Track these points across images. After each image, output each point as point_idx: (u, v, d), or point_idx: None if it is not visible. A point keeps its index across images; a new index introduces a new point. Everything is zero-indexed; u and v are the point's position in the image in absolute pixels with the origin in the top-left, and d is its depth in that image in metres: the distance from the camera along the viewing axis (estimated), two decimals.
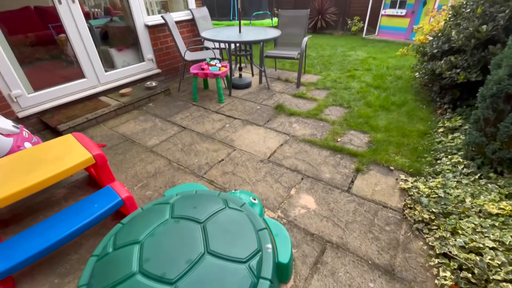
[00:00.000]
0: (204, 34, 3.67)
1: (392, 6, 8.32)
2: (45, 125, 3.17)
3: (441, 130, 2.70)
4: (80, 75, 3.41)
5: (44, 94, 3.13)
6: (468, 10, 2.45)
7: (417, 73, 2.94)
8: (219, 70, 3.53)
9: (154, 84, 3.82)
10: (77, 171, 1.71)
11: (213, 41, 3.41)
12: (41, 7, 4.93)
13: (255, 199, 1.71)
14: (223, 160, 2.46)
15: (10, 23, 4.99)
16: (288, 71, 4.92)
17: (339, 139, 2.70)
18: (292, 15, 4.42)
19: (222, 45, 4.46)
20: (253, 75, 4.75)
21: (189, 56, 3.94)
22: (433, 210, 1.69)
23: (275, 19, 8.22)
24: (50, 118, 3.12)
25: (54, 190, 2.20)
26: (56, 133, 3.02)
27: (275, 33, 3.66)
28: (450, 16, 2.89)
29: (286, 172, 2.27)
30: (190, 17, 4.46)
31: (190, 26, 4.60)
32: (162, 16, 3.62)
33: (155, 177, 2.28)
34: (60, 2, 2.93)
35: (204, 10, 4.69)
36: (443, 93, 3.20)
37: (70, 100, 3.31)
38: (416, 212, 1.74)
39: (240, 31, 3.77)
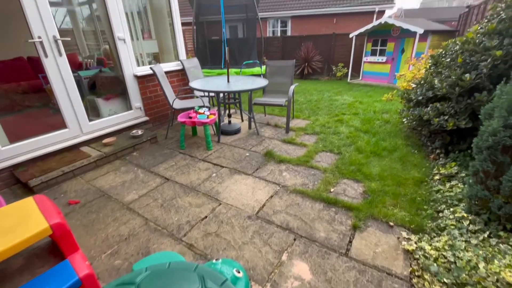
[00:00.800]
0: (192, 84, 3.70)
1: (373, 54, 8.96)
2: (17, 180, 2.93)
3: (437, 177, 2.58)
4: (62, 125, 3.30)
5: (20, 146, 2.95)
6: (448, 59, 2.54)
7: (404, 119, 2.94)
8: (207, 118, 3.48)
9: (140, 132, 3.72)
10: (30, 244, 1.46)
11: (201, 91, 3.42)
12: (34, 58, 5.04)
13: (239, 272, 1.46)
14: (206, 217, 2.23)
15: (2, 72, 5.04)
16: (277, 116, 4.95)
17: (332, 189, 2.53)
18: (279, 65, 4.59)
19: (212, 93, 4.52)
20: (242, 120, 4.74)
21: (178, 104, 3.93)
22: (445, 280, 1.46)
23: (264, 67, 8.68)
24: (23, 172, 2.90)
25: (10, 258, 1.89)
26: (27, 188, 2.77)
27: (262, 82, 3.73)
28: (430, 64, 3.00)
29: (277, 231, 2.04)
30: (180, 67, 4.59)
31: (180, 76, 4.70)
32: (151, 68, 3.68)
33: (127, 241, 2.01)
34: (46, 56, 2.94)
35: (195, 61, 4.86)
36: (433, 137, 3.17)
37: (49, 151, 3.13)
38: (426, 284, 1.50)
39: (228, 81, 3.84)
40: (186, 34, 11.34)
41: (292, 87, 4.05)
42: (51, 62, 3.00)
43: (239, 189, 2.60)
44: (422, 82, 2.93)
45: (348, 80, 9.24)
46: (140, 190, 2.69)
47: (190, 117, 3.44)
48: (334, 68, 10.43)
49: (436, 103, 2.61)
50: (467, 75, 2.23)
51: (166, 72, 4.41)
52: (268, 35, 14.40)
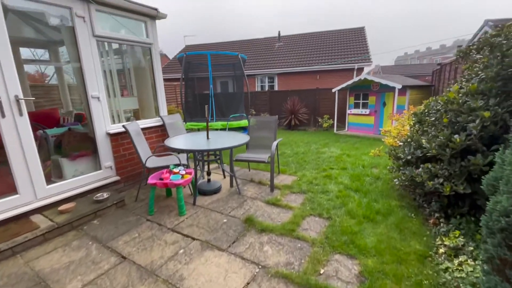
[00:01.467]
0: (168, 141, 3.46)
1: (356, 106, 9.29)
2: None
3: (442, 250, 2.21)
4: (12, 189, 2.88)
5: None
6: (433, 118, 2.43)
7: (396, 180, 2.70)
8: (182, 178, 3.15)
9: (105, 195, 3.30)
10: None
11: (177, 150, 3.17)
12: None
13: None
14: None
15: None
16: (262, 171, 4.67)
17: (322, 271, 2.10)
18: (262, 120, 4.51)
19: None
20: (224, 176, 4.41)
21: (152, 162, 3.62)
22: None
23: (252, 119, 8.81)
24: None
25: None
26: None
27: (243, 139, 3.54)
28: (414, 122, 2.90)
29: None
30: (160, 123, 4.43)
31: (160, 131, 4.51)
32: (123, 126, 3.47)
33: None
34: (3, 116, 2.69)
35: (176, 116, 4.74)
36: (428, 197, 2.89)
37: None
38: None
39: (208, 137, 3.63)
40: (177, 89, 11.73)
41: (275, 143, 3.87)
42: (9, 122, 2.74)
43: (208, 273, 2.13)
44: (409, 140, 2.78)
45: (335, 131, 9.35)
46: (87, 275, 2.17)
47: (162, 179, 3.10)
48: (320, 120, 10.68)
49: (427, 164, 2.40)
50: (456, 136, 2.07)
51: (145, 129, 4.21)
52: (256, 89, 15.12)
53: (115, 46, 4.28)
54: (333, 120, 9.80)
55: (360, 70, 13.24)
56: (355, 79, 8.46)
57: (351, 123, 9.45)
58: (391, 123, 8.17)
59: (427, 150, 2.34)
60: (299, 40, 16.98)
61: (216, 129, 7.55)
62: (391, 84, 7.29)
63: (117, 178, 3.88)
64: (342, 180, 3.98)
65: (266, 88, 15.08)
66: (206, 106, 3.71)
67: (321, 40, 16.02)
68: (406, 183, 2.79)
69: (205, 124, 7.57)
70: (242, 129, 8.02)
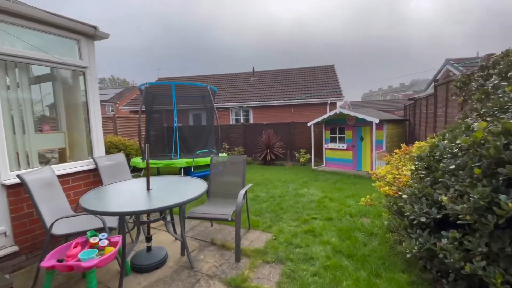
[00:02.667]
0: (84, 200, 2.40)
1: (333, 141, 8.89)
2: None
3: None
4: None
5: None
6: (452, 166, 1.75)
7: (408, 252, 1.90)
8: (99, 255, 2.09)
9: None
10: None
11: (91, 213, 2.14)
12: None
13: None
14: None
15: None
16: (228, 226, 3.68)
17: None
18: (228, 161, 3.66)
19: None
20: (176, 238, 3.34)
21: (66, 226, 2.52)
22: None
23: (223, 155, 7.88)
24: None
25: None
26: None
27: (199, 189, 2.61)
28: (418, 167, 2.22)
29: None
30: (93, 166, 3.39)
31: (92, 177, 3.44)
32: (18, 176, 2.41)
33: None
34: None
35: (117, 157, 3.74)
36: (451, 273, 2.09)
37: None
38: None
39: (148, 188, 2.65)
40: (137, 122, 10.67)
41: (242, 191, 2.99)
42: None
43: None
44: (416, 192, 2.07)
45: (312, 166, 8.72)
46: None
47: (61, 260, 2.01)
48: (296, 154, 10.10)
49: (454, 233, 1.65)
50: (503, 197, 1.37)
51: (68, 175, 3.15)
52: (231, 122, 14.53)
53: (38, 70, 3.35)
54: (310, 154, 9.24)
55: (333, 104, 13.31)
56: (330, 113, 8.13)
57: (329, 158, 8.93)
58: (369, 157, 7.78)
59: (451, 212, 1.61)
60: (272, 75, 17.18)
61: (180, 167, 6.55)
62: (368, 118, 6.97)
63: (15, 248, 2.68)
64: (328, 238, 3.12)
65: (241, 121, 14.55)
66: (146, 145, 2.79)
67: (294, 76, 16.30)
68: (420, 254, 2.00)
69: (166, 162, 6.53)
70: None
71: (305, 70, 17.05)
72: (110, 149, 8.07)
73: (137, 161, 6.67)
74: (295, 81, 15.47)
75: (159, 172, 6.87)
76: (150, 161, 6.46)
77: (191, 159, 6.47)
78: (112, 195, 2.61)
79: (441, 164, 1.90)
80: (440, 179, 1.91)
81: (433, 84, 11.96)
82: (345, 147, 8.31)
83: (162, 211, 2.69)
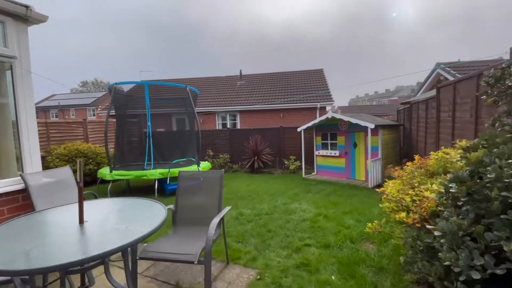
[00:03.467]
0: None
1: (324, 147, 8.33)
2: None
3: None
4: None
5: None
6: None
7: None
8: None
9: None
10: None
11: None
12: None
13: None
14: None
15: None
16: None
17: None
18: (201, 176, 2.95)
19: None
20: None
21: None
22: None
23: (206, 164, 7.10)
24: None
25: None
26: None
27: (152, 223, 1.87)
28: (455, 191, 1.60)
29: None
30: (22, 185, 2.59)
31: (21, 200, 2.64)
32: None
33: None
34: None
35: (61, 172, 2.95)
36: None
37: None
38: None
39: (81, 221, 1.89)
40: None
41: (217, 219, 2.28)
42: None
43: None
44: (455, 229, 1.45)
45: (303, 175, 8.10)
46: None
47: None
48: (286, 162, 9.47)
49: None
50: None
51: None
52: (217, 127, 13.78)
53: None
54: (301, 162, 8.64)
55: (323, 109, 12.87)
56: (322, 117, 7.58)
57: (320, 165, 8.35)
58: (363, 165, 7.25)
59: None
60: (260, 79, 16.63)
61: (154, 179, 5.75)
62: (362, 123, 6.45)
63: None
64: (327, 277, 2.45)
65: (228, 126, 13.83)
66: (78, 160, 2.03)
67: (282, 80, 15.82)
68: None
69: (137, 173, 5.71)
70: None
71: (293, 74, 16.62)
72: (76, 158, 7.16)
73: (104, 172, 5.82)
74: (283, 85, 14.96)
75: (129, 185, 6.03)
76: (118, 172, 5.64)
77: (167, 170, 5.70)
78: (28, 232, 1.84)
79: (503, 193, 1.28)
80: (497, 214, 1.29)
81: (424, 87, 11.74)
82: (337, 154, 7.75)
83: (93, 260, 1.91)
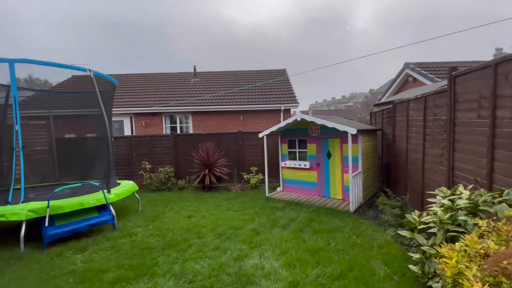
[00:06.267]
0: None
1: (292, 157, 6.74)
2: None
3: None
4: None
5: None
6: None
7: None
8: None
9: None
10: None
11: None
12: None
13: None
14: None
15: None
16: None
17: None
18: None
19: None
20: None
21: None
22: None
23: (126, 187, 4.82)
24: None
25: None
26: None
27: None
28: None
29: None
30: None
31: None
32: None
33: None
34: None
35: None
36: None
37: None
38: None
39: None
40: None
41: None
42: None
43: None
44: None
45: (266, 193, 6.35)
46: None
47: None
48: (245, 176, 7.65)
49: None
50: None
51: None
52: (165, 132, 11.40)
53: None
54: (264, 174, 6.89)
55: (287, 111, 11.44)
56: (289, 120, 5.95)
57: (287, 179, 6.71)
58: (341, 181, 5.80)
59: None
60: (218, 77, 14.68)
61: (21, 221, 3.37)
62: (340, 127, 4.95)
63: None
64: None
65: (179, 130, 11.56)
66: None
67: (242, 79, 14.09)
68: None
69: (5, 210, 3.30)
70: (96, 210, 4.06)
71: (255, 73, 15.03)
72: None
73: None
74: (244, 85, 13.23)
75: None
76: None
77: (45, 202, 3.41)
78: None
79: None
80: None
81: (392, 89, 11.00)
82: (307, 166, 6.18)
83: None
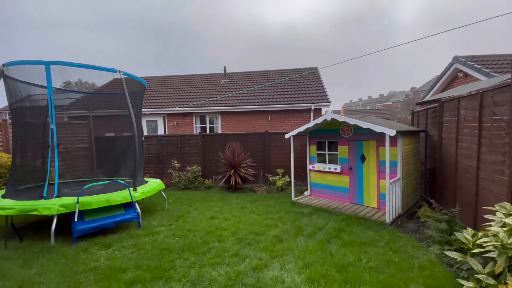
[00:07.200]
0: None
1: (321, 160, 6.34)
2: None
3: None
4: None
5: None
6: None
7: None
8: None
9: None
10: None
11: None
12: None
13: None
14: None
15: None
16: None
17: None
18: None
19: None
20: None
21: None
22: None
23: (153, 186, 4.90)
24: None
25: None
26: None
27: None
28: None
29: None
30: None
31: None
32: None
33: None
34: None
35: None
36: None
37: None
38: None
39: None
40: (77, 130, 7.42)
41: None
42: None
43: None
44: None
45: (293, 197, 6.05)
46: None
47: None
48: (271, 178, 7.41)
49: None
50: None
51: None
52: (195, 131, 11.67)
53: None
54: (290, 177, 6.59)
55: (318, 111, 10.92)
56: (318, 119, 5.59)
57: (316, 183, 6.33)
58: (376, 188, 5.27)
59: None
60: (247, 77, 14.65)
61: (53, 216, 3.54)
62: (376, 128, 4.47)
63: None
64: None
65: (208, 130, 11.75)
66: None
67: (272, 78, 13.85)
68: None
69: (27, 204, 3.53)
70: (123, 208, 4.16)
71: (284, 72, 14.69)
72: None
73: None
74: (272, 84, 12.99)
75: (13, 225, 3.80)
76: (10, 204, 3.46)
77: (75, 198, 3.56)
78: None
79: None
80: None
81: (438, 85, 9.85)
82: (338, 170, 5.74)
83: None
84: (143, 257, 3.18)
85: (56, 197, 3.71)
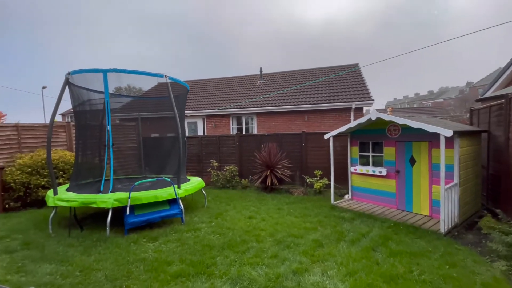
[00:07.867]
0: None
1: (363, 162, 5.97)
2: None
3: None
4: None
5: None
6: None
7: None
8: None
9: None
10: None
11: None
12: None
13: None
14: None
15: None
16: None
17: None
18: None
19: None
20: None
21: None
22: None
23: (194, 184, 5.14)
24: None
25: None
26: None
27: None
28: None
29: None
30: None
31: None
32: None
33: None
34: None
35: None
36: None
37: None
38: None
39: None
40: (127, 131, 8.23)
41: None
42: None
43: None
44: None
45: (332, 200, 5.81)
46: None
47: None
48: (308, 179, 7.22)
49: None
50: None
51: None
52: (232, 132, 11.98)
53: None
54: (329, 179, 6.34)
55: (359, 110, 10.35)
56: (361, 119, 5.28)
57: (358, 187, 6.00)
58: (428, 194, 4.79)
59: None
60: (283, 77, 14.54)
61: (108, 208, 3.90)
62: (430, 128, 4.06)
63: None
64: None
65: (244, 131, 11.96)
66: None
67: (309, 77, 13.54)
68: None
69: (87, 197, 3.95)
70: (168, 204, 4.42)
71: (323, 70, 14.24)
72: (43, 170, 5.72)
73: (49, 194, 4.21)
74: (309, 83, 12.69)
75: (75, 215, 4.29)
76: (62, 197, 3.94)
77: (127, 193, 3.89)
78: None
79: None
80: None
81: (500, 80, 8.56)
82: (383, 173, 5.35)
83: None
84: (186, 252, 3.33)
85: (111, 192, 4.09)
